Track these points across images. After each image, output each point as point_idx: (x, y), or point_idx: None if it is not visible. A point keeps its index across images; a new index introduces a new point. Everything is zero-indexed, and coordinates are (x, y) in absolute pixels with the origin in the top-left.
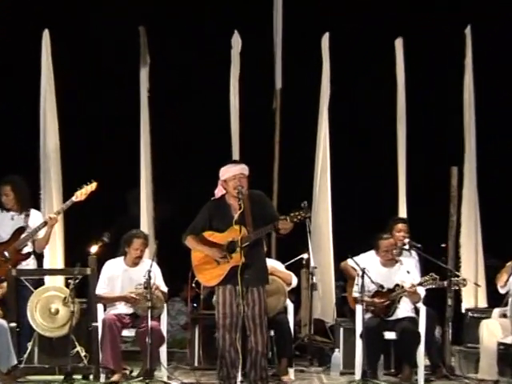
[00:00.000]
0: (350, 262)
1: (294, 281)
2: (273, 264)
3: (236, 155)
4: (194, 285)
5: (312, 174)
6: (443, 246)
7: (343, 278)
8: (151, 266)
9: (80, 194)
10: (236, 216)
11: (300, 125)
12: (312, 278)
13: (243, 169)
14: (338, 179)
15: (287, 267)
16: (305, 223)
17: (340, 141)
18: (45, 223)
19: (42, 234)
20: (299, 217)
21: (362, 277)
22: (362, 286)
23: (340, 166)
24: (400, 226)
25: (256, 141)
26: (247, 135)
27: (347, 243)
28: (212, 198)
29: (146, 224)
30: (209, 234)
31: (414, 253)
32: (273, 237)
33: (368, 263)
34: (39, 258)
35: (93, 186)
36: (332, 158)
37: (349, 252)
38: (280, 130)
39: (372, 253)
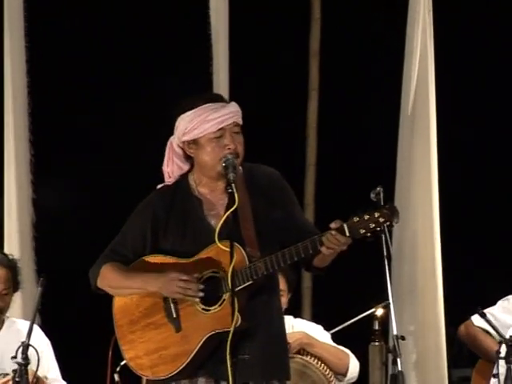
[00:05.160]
0: (477, 321)
1: (353, 367)
2: (308, 330)
3: (222, 88)
4: (117, 376)
5: (393, 137)
6: None
7: (466, 355)
8: (29, 335)
9: None
10: (220, 223)
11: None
12: (395, 362)
13: (236, 113)
14: (448, 146)
15: (338, 338)
16: (379, 240)
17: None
18: None
19: None
20: (372, 224)
21: (509, 354)
22: (510, 372)
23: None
24: None
25: (263, 54)
26: (240, 44)
27: (473, 280)
28: (159, 186)
29: (14, 240)
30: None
31: None
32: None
33: None
34: None
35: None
36: (439, 99)
37: (477, 302)
38: (321, 33)
39: None
